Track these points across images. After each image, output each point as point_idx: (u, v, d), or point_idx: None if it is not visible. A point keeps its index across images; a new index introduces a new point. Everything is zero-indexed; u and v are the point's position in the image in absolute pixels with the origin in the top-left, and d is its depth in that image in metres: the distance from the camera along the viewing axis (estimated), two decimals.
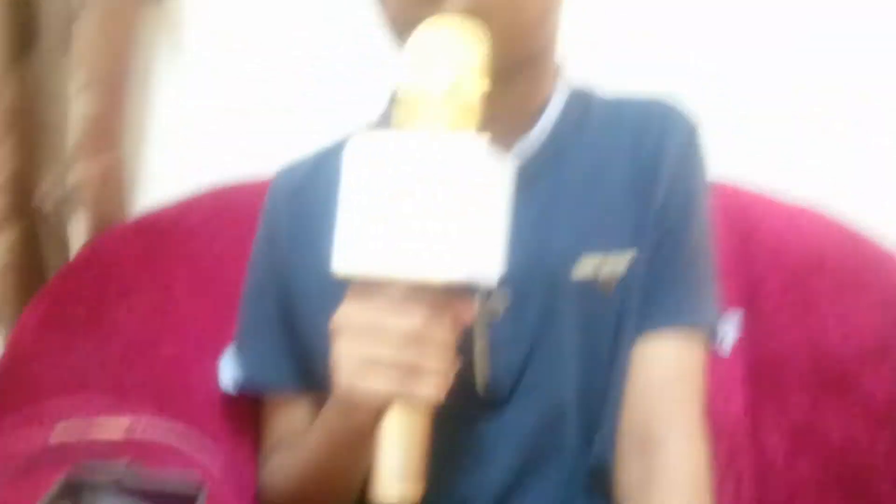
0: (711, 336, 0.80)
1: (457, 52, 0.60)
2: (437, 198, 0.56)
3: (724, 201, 1.17)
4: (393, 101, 0.80)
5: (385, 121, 0.80)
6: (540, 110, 0.78)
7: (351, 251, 0.58)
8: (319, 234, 0.79)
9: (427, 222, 0.56)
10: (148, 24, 1.19)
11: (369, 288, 0.60)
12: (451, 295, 0.60)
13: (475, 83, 0.60)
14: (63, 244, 1.11)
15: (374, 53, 0.81)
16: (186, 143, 1.28)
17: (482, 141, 0.58)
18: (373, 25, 0.74)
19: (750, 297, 1.12)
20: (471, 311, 0.63)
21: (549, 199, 0.77)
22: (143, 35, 1.18)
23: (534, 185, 0.75)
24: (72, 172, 1.09)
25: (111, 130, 1.11)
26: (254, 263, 0.90)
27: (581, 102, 0.81)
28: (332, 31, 1.30)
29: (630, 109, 0.82)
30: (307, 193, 0.84)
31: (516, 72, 0.73)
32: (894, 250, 1.21)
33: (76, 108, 1.07)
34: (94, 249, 1.05)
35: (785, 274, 1.14)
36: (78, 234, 1.11)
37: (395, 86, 0.80)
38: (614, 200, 0.78)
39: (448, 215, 0.56)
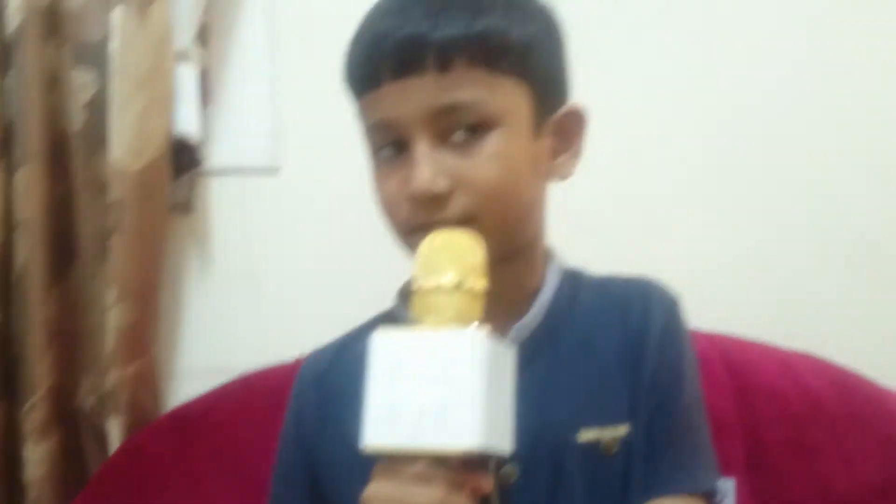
0: (711, 498, 0.85)
1: (461, 256, 0.71)
2: (450, 382, 0.66)
3: (719, 352, 1.24)
4: (403, 294, 0.89)
5: (397, 311, 0.89)
6: (534, 293, 0.84)
7: (377, 429, 0.67)
8: (345, 414, 0.86)
9: (443, 403, 0.66)
10: (177, 235, 1.31)
11: (394, 463, 0.67)
12: (469, 468, 0.67)
13: (477, 281, 0.70)
14: (101, 445, 1.18)
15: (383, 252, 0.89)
16: (216, 336, 1.36)
17: (484, 332, 0.66)
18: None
19: (755, 451, 1.15)
20: (488, 483, 0.69)
21: (547, 374, 0.83)
22: (172, 246, 1.30)
23: (533, 362, 0.81)
24: (108, 378, 1.17)
25: (144, 338, 1.21)
26: (283, 443, 0.96)
27: (572, 283, 0.89)
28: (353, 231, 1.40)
29: (615, 288, 0.88)
30: (332, 378, 0.91)
31: (509, 262, 0.81)
32: (884, 388, 1.26)
33: (111, 319, 1.17)
34: (129, 449, 1.12)
35: (786, 424, 1.17)
36: (115, 434, 1.18)
37: (407, 282, 0.90)
38: (608, 375, 0.84)
39: (461, 396, 0.65)
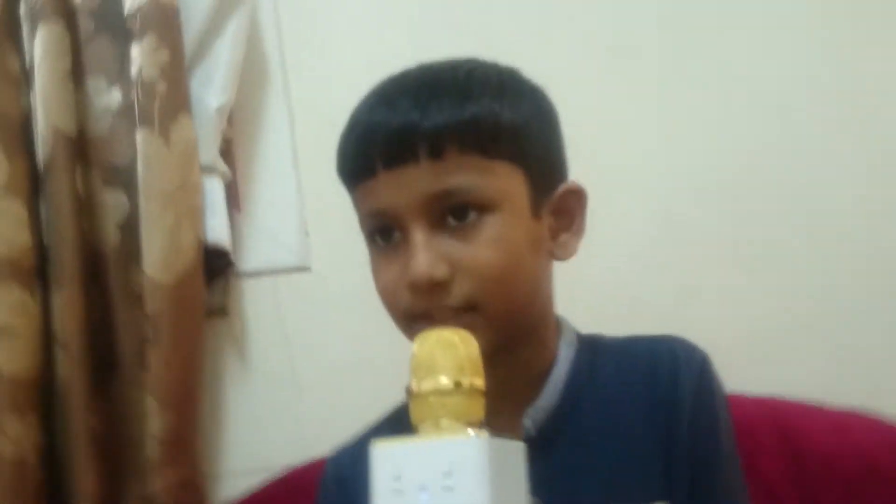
0: None
1: (455, 355, 0.70)
2: (455, 492, 0.64)
3: (769, 417, 1.21)
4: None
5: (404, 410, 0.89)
6: (547, 372, 0.83)
7: None
8: None
9: None
10: (215, 338, 1.34)
11: None
12: None
13: (475, 379, 0.69)
14: None
15: None
16: (257, 435, 1.37)
17: (485, 435, 0.66)
18: None
19: None
20: None
21: (572, 456, 0.81)
22: (210, 348, 1.32)
23: (555, 444, 0.80)
24: (152, 484, 1.19)
25: (186, 444, 1.23)
26: None
27: (589, 351, 0.86)
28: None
29: (639, 350, 0.86)
30: (355, 479, 0.88)
31: (517, 346, 0.81)
32: None
33: (152, 427, 1.19)
34: None
35: (842, 487, 1.14)
36: None
37: (407, 385, 0.90)
38: (639, 450, 0.81)
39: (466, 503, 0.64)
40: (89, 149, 1.27)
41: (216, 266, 1.32)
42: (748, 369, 1.37)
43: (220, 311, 1.35)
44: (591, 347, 0.87)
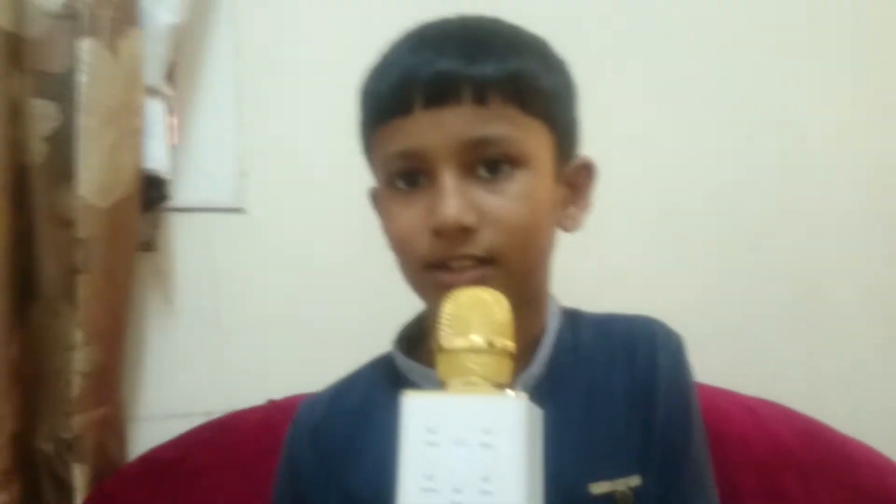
0: None
1: (489, 315, 0.69)
2: (491, 450, 0.64)
3: None
4: (402, 341, 0.87)
5: (398, 360, 0.86)
6: (538, 340, 0.83)
7: (416, 497, 0.64)
8: (344, 470, 0.84)
9: (485, 472, 0.63)
10: (139, 273, 1.26)
11: None
12: None
13: (507, 341, 0.68)
14: (64, 494, 1.12)
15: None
16: (178, 378, 1.31)
17: (524, 397, 0.65)
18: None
19: (728, 497, 1.16)
20: None
21: (555, 425, 0.78)
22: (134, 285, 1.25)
23: None
24: (72, 423, 1.11)
25: (111, 382, 1.16)
26: (277, 495, 0.91)
27: (571, 324, 0.87)
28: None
29: (618, 328, 0.87)
30: (328, 431, 0.88)
31: (518, 309, 0.80)
32: (845, 435, 1.30)
33: (77, 362, 1.11)
34: (102, 498, 1.06)
35: (757, 470, 1.20)
36: (80, 482, 1.12)
37: (405, 328, 0.88)
38: (617, 424, 0.82)
39: (503, 465, 0.63)
40: (22, 51, 1.15)
41: (150, 197, 1.24)
42: None
43: (147, 244, 1.27)
44: (573, 320, 0.88)
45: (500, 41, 0.78)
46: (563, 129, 0.81)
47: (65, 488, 1.13)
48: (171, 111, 1.27)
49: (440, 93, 0.74)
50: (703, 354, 1.49)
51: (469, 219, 0.74)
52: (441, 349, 0.68)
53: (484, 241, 0.75)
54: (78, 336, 1.11)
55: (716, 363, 1.49)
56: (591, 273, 1.37)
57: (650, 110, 1.52)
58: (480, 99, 0.75)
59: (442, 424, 0.65)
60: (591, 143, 0.86)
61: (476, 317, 0.69)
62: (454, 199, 0.74)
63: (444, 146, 0.75)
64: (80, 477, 1.12)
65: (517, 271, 0.77)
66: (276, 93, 1.38)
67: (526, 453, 0.64)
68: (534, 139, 0.78)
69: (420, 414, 0.66)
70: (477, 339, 0.67)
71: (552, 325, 0.85)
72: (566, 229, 0.84)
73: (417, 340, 0.88)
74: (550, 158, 0.80)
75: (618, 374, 0.84)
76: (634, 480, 0.80)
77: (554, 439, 0.79)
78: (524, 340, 0.82)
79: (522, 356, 0.81)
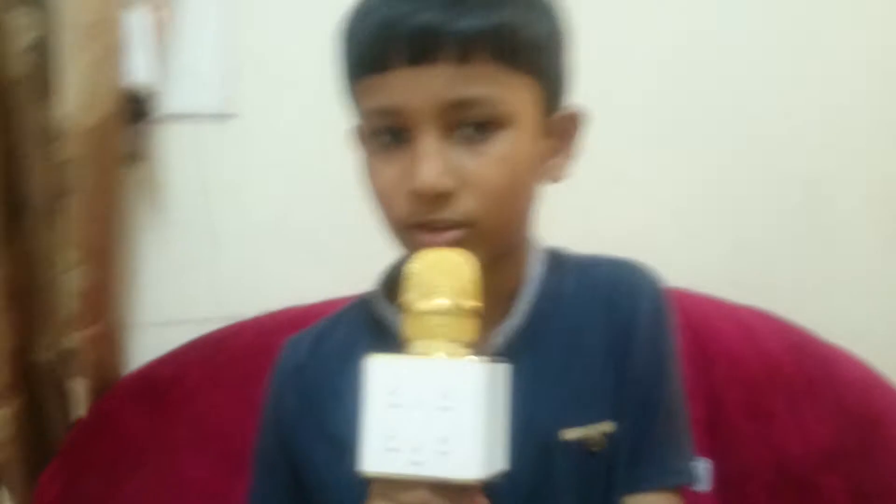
0: (689, 484, 0.88)
1: (455, 276, 0.69)
2: (450, 412, 0.66)
3: (683, 316, 1.25)
4: (385, 283, 0.87)
5: (378, 303, 0.87)
6: (518, 289, 0.83)
7: (376, 456, 0.67)
8: (324, 410, 0.86)
9: (444, 434, 0.66)
10: (128, 185, 1.25)
11: (393, 489, 0.67)
12: (467, 491, 0.67)
13: (472, 301, 0.68)
14: (65, 407, 1.16)
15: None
16: (172, 287, 1.32)
17: (483, 360, 0.66)
18: None
19: (713, 414, 1.19)
20: (484, 502, 0.69)
21: (533, 372, 0.82)
22: (123, 197, 1.24)
23: (518, 360, 0.78)
24: (69, 340, 1.14)
25: (105, 299, 1.17)
26: (263, 427, 0.94)
27: (555, 269, 0.87)
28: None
29: (600, 273, 0.87)
30: (311, 370, 0.89)
31: (497, 261, 0.79)
32: (837, 350, 1.31)
33: (71, 281, 1.12)
34: (98, 415, 1.10)
35: (744, 387, 1.21)
36: (78, 396, 1.16)
37: (390, 269, 0.88)
38: (594, 371, 0.83)
39: (462, 427, 0.66)
40: None
41: (136, 108, 1.22)
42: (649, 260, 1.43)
43: (135, 156, 1.25)
44: (557, 264, 0.87)
45: None
46: (550, 81, 0.77)
47: (67, 398, 1.17)
48: (157, 20, 1.22)
49: (420, 51, 0.70)
50: (701, 258, 1.52)
51: (446, 184, 0.72)
52: (407, 310, 0.69)
53: (462, 206, 0.73)
54: (72, 255, 1.12)
55: (713, 267, 1.51)
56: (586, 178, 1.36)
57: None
58: (463, 57, 0.70)
59: (403, 387, 0.67)
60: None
61: (442, 278, 0.69)
62: (432, 162, 0.71)
63: (424, 107, 0.71)
64: (80, 389, 1.15)
65: (495, 232, 0.76)
66: None
67: (484, 415, 0.66)
68: (519, 96, 0.74)
69: (382, 376, 0.68)
70: (442, 302, 0.67)
71: (534, 272, 0.85)
72: (550, 179, 0.82)
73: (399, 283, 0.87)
74: (536, 113, 0.76)
75: (598, 320, 0.84)
76: (607, 426, 0.82)
77: (529, 389, 0.81)
78: (504, 291, 0.83)
79: (503, 306, 0.83)
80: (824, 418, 1.20)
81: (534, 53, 0.74)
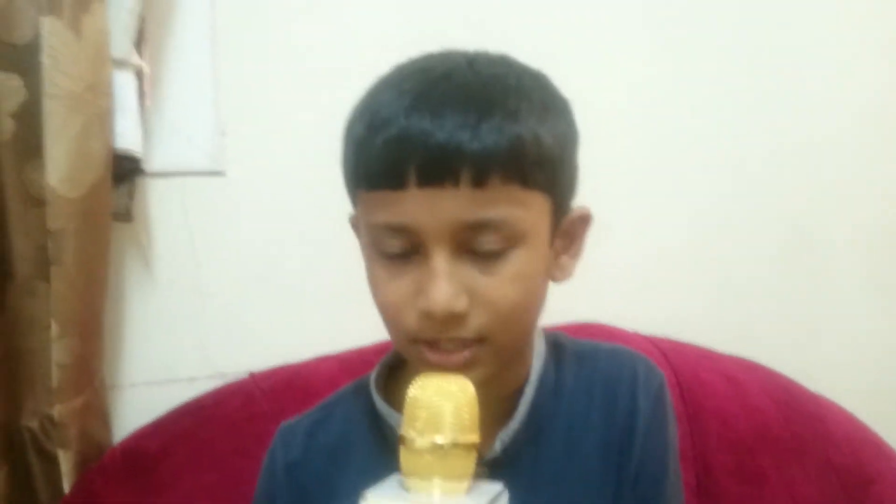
0: None
1: (456, 409, 0.68)
2: None
3: (669, 369, 1.25)
4: (382, 374, 0.86)
5: (377, 398, 0.84)
6: (519, 390, 0.81)
7: None
8: None
9: None
10: (116, 242, 1.24)
11: None
12: None
13: (472, 435, 0.68)
14: (52, 481, 1.14)
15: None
16: (160, 346, 1.31)
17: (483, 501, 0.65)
18: None
19: (703, 478, 1.20)
20: None
21: (530, 479, 0.81)
22: (111, 254, 1.22)
23: (515, 467, 0.79)
24: (54, 412, 1.12)
25: (90, 370, 1.15)
26: None
27: (554, 361, 0.85)
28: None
29: (600, 365, 0.86)
30: (304, 468, 0.87)
31: (503, 369, 0.78)
32: (826, 403, 1.32)
33: (54, 354, 1.11)
34: (85, 496, 1.08)
35: (734, 449, 1.22)
36: (66, 467, 1.14)
37: (390, 359, 0.87)
38: (591, 476, 0.82)
39: None
40: None
41: (123, 169, 1.20)
42: (635, 305, 1.44)
43: (124, 215, 1.23)
44: (556, 356, 0.86)
45: (505, 105, 0.71)
46: (562, 190, 0.77)
47: (54, 467, 1.15)
48: (141, 80, 1.20)
49: (437, 171, 0.69)
50: (690, 301, 1.52)
51: (460, 305, 0.71)
52: (404, 444, 0.68)
53: (475, 324, 0.73)
54: (54, 329, 1.10)
55: (705, 314, 1.52)
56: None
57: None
58: (480, 180, 0.70)
59: None
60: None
61: (441, 412, 0.68)
62: (445, 284, 0.70)
63: (439, 228, 0.70)
64: (65, 463, 1.13)
65: (507, 346, 0.76)
66: (255, 48, 1.32)
67: None
68: (532, 213, 0.74)
69: None
70: (442, 440, 0.67)
71: (535, 369, 0.83)
72: (557, 280, 0.81)
73: (399, 371, 0.86)
74: (547, 225, 0.76)
75: (597, 417, 0.83)
76: None
77: (528, 496, 0.78)
78: (505, 393, 0.82)
79: (504, 407, 0.81)
80: (814, 479, 1.21)
81: (548, 169, 0.74)
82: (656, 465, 0.84)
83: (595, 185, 0.82)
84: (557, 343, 0.88)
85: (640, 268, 1.50)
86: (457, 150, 0.69)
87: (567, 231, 0.80)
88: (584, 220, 0.81)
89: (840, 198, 1.62)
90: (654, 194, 1.50)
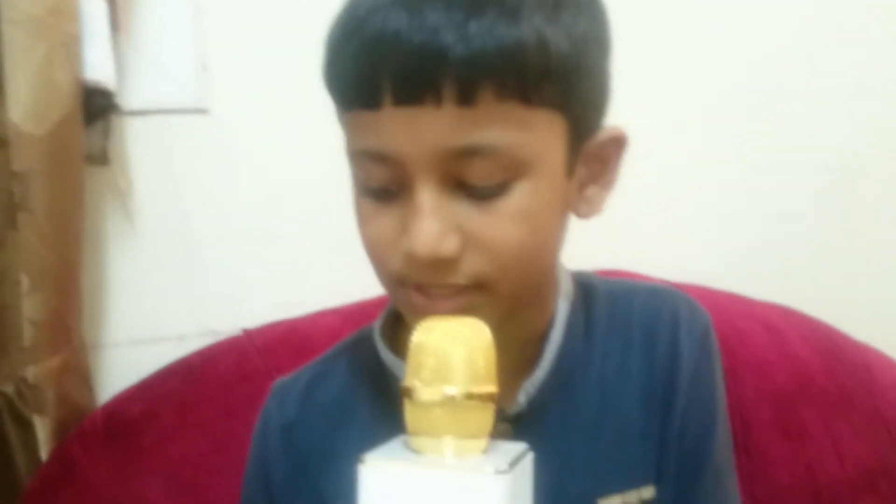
0: None
1: (468, 356, 0.56)
2: None
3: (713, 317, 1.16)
4: (385, 328, 0.75)
5: (378, 349, 0.75)
6: (543, 334, 0.71)
7: None
8: (319, 470, 0.75)
9: None
10: (93, 189, 1.13)
11: None
12: None
13: (488, 385, 0.56)
14: (29, 449, 1.04)
15: None
16: (143, 301, 1.21)
17: (499, 475, 0.54)
18: None
19: (743, 432, 1.10)
20: None
21: (562, 437, 0.71)
22: (88, 201, 1.12)
23: (542, 421, 0.70)
24: (28, 373, 1.03)
25: (67, 326, 1.06)
26: (247, 485, 0.81)
27: (583, 304, 0.75)
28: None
29: (637, 308, 0.75)
30: (301, 429, 0.77)
31: (516, 313, 0.67)
32: (870, 351, 1.22)
33: (26, 310, 1.01)
34: (63, 463, 1.00)
35: (775, 403, 1.12)
36: (43, 434, 1.05)
37: (390, 314, 0.76)
38: (630, 429, 0.72)
39: None
40: None
41: (95, 106, 1.09)
42: (670, 255, 1.35)
43: (99, 157, 1.12)
44: (586, 297, 0.75)
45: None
46: (582, 107, 0.63)
47: (30, 433, 1.06)
48: (114, 6, 1.09)
49: (414, 86, 0.57)
50: (726, 250, 1.43)
51: (449, 247, 0.59)
52: (409, 396, 0.57)
53: (469, 269, 0.61)
54: (24, 282, 1.00)
55: (739, 260, 1.42)
56: None
57: None
58: (467, 96, 0.57)
59: (405, 501, 0.55)
60: None
61: (451, 360, 0.56)
62: (430, 222, 0.59)
63: (420, 155, 0.58)
64: (41, 429, 1.03)
65: (511, 293, 0.63)
66: None
67: None
68: (539, 137, 0.60)
69: (379, 489, 0.55)
70: (453, 392, 0.56)
71: (561, 311, 0.72)
72: (581, 215, 0.68)
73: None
74: (561, 150, 0.63)
75: (634, 365, 0.73)
76: (648, 492, 0.71)
77: (559, 456, 0.69)
78: (526, 338, 0.71)
79: (526, 354, 0.71)
80: (862, 434, 1.11)
81: (556, 80, 0.60)
82: (704, 415, 0.74)
83: (621, 117, 0.70)
84: (587, 283, 0.77)
85: (668, 212, 1.39)
86: (438, 55, 0.56)
87: (595, 156, 0.67)
88: (618, 142, 0.68)
89: (878, 136, 1.51)
90: (685, 132, 1.40)
